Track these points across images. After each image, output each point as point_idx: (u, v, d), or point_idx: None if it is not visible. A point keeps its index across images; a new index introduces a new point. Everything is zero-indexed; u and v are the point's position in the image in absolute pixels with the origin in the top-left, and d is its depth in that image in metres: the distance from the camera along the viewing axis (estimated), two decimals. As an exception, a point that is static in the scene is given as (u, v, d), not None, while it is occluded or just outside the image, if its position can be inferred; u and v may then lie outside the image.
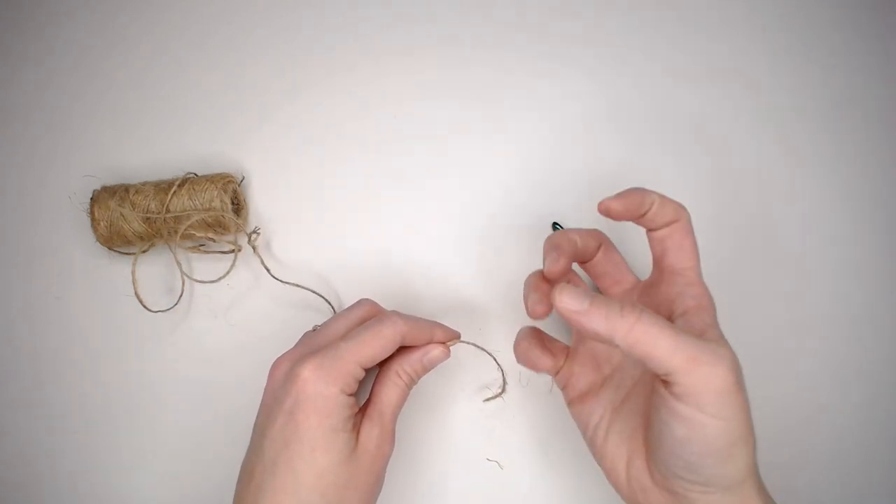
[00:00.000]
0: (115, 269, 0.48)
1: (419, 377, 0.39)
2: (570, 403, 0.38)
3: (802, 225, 0.47)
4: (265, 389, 0.38)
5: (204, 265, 0.48)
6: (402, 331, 0.37)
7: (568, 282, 0.33)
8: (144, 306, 0.46)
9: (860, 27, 0.50)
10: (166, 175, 0.47)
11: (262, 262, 0.45)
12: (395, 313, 0.38)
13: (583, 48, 0.50)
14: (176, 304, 0.47)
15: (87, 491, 0.46)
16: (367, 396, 0.40)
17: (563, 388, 0.39)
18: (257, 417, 0.37)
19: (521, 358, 0.38)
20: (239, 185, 0.47)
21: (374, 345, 0.36)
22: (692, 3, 0.50)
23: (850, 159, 0.48)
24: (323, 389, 0.34)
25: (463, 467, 0.45)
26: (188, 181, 0.45)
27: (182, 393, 0.46)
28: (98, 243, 0.46)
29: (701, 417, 0.28)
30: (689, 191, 0.48)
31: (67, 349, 0.47)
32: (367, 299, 0.42)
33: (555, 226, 0.47)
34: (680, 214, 0.35)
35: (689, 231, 0.36)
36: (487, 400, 0.44)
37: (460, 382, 0.45)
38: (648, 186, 0.48)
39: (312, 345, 0.38)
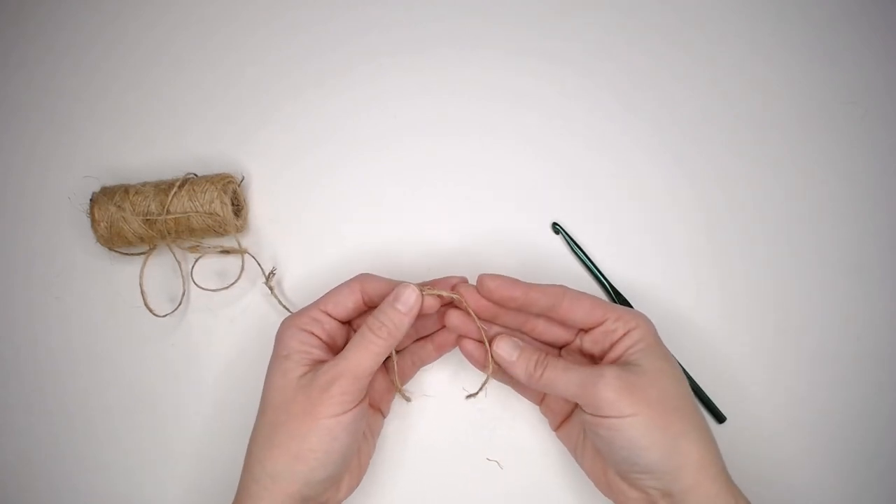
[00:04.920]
0: (116, 270, 0.48)
1: (397, 327, 0.38)
2: (556, 430, 0.43)
3: (802, 224, 0.47)
4: None
5: (202, 263, 0.48)
6: (360, 278, 0.40)
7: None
8: (153, 313, 0.46)
9: (860, 27, 0.50)
10: (166, 175, 0.47)
11: (280, 302, 0.46)
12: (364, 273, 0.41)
13: (583, 48, 0.50)
14: (178, 306, 0.47)
15: (87, 491, 0.46)
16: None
17: (546, 416, 0.43)
18: None
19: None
20: (239, 186, 0.47)
21: (334, 293, 0.40)
22: (692, 4, 0.50)
23: (850, 159, 0.48)
24: (282, 327, 0.39)
25: (463, 467, 0.45)
26: (188, 182, 0.45)
27: (181, 392, 0.46)
28: (98, 244, 0.46)
29: (609, 420, 0.36)
30: (689, 190, 0.48)
31: (67, 349, 0.47)
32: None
33: (554, 226, 0.47)
34: (561, 289, 0.39)
35: (578, 295, 0.39)
36: (469, 396, 0.42)
37: (461, 382, 0.45)
38: (648, 187, 0.48)
39: None
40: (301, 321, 0.39)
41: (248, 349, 0.47)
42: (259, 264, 0.47)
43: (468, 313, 0.40)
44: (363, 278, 0.40)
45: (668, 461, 0.35)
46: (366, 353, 0.37)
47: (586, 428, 0.38)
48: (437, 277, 0.42)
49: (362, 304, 0.40)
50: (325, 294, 0.40)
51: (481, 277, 0.39)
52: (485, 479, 0.44)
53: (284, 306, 0.45)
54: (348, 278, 0.40)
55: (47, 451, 0.46)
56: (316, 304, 0.39)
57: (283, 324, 0.39)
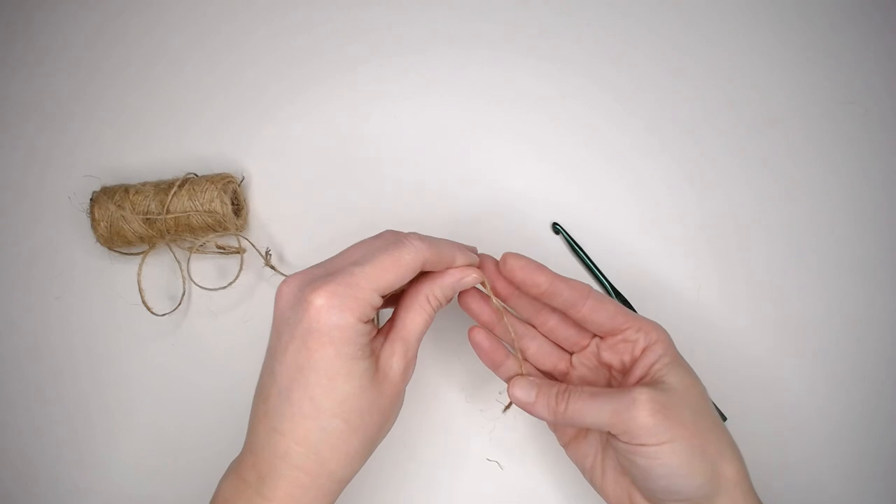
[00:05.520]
0: (116, 270, 0.48)
1: (448, 301, 0.37)
2: (565, 447, 0.40)
3: (802, 225, 0.47)
4: (274, 311, 0.35)
5: (203, 264, 0.48)
6: (423, 257, 0.34)
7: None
8: (151, 312, 0.46)
9: (860, 27, 0.50)
10: (166, 175, 0.47)
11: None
12: (416, 236, 0.35)
13: (583, 48, 0.50)
14: (178, 306, 0.47)
15: (87, 490, 0.46)
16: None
17: (555, 433, 0.41)
18: (269, 341, 0.35)
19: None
20: (239, 186, 0.47)
21: (392, 271, 0.34)
22: (692, 3, 0.50)
23: (850, 159, 0.48)
24: (338, 320, 0.32)
25: (463, 467, 0.45)
26: (188, 181, 0.45)
27: (182, 393, 0.46)
28: (98, 244, 0.46)
29: (648, 448, 0.33)
30: (689, 191, 0.48)
31: (67, 349, 0.47)
32: (390, 230, 0.37)
33: (555, 226, 0.47)
34: (588, 287, 0.37)
35: (603, 298, 0.37)
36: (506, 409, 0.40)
37: (461, 382, 0.45)
38: (648, 187, 0.48)
39: (327, 267, 0.35)
40: (361, 311, 0.33)
41: (247, 349, 0.47)
42: (260, 252, 0.46)
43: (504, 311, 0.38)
44: (422, 254, 0.35)
45: (709, 485, 0.33)
46: (426, 324, 0.36)
47: (620, 456, 0.35)
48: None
49: None
50: (379, 267, 0.34)
51: (505, 255, 0.37)
52: (485, 479, 0.44)
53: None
54: (399, 247, 0.34)
55: (47, 451, 0.46)
56: (371, 283, 0.33)
57: (331, 306, 0.32)
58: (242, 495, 0.33)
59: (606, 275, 0.46)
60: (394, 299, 0.38)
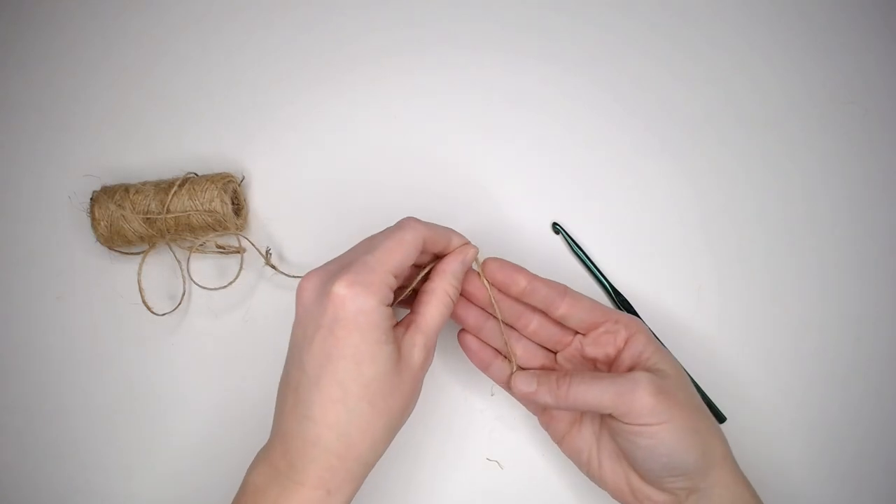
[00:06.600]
0: (116, 269, 0.48)
1: (461, 285, 0.39)
2: (560, 443, 0.41)
3: (802, 225, 0.47)
4: (297, 306, 0.37)
5: (203, 264, 0.48)
6: (422, 235, 0.37)
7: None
8: (151, 311, 0.46)
9: (860, 27, 0.50)
10: (167, 175, 0.47)
11: (289, 276, 0.46)
12: (412, 218, 0.38)
13: (583, 48, 0.50)
14: (178, 305, 0.47)
15: (87, 491, 0.46)
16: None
17: (547, 429, 0.42)
18: (293, 335, 0.37)
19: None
20: (239, 185, 0.47)
21: (400, 251, 0.36)
22: (692, 3, 0.50)
23: (850, 159, 0.48)
24: (362, 304, 0.34)
25: (463, 467, 0.45)
26: (188, 181, 0.45)
27: (182, 392, 0.46)
28: (98, 243, 0.46)
29: (650, 428, 0.35)
30: (689, 191, 0.48)
31: (67, 349, 0.47)
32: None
33: (555, 226, 0.47)
34: (564, 285, 0.40)
35: (579, 295, 0.40)
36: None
37: (461, 382, 0.45)
38: (648, 187, 0.48)
39: (341, 261, 0.37)
40: (381, 294, 0.35)
41: (249, 348, 0.47)
42: (260, 251, 0.46)
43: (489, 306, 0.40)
44: (421, 233, 0.37)
45: (702, 461, 0.36)
46: (445, 317, 0.38)
47: (621, 439, 0.37)
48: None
49: None
50: (387, 251, 0.36)
51: (486, 260, 0.39)
52: (485, 478, 0.44)
53: (297, 276, 0.45)
54: (399, 230, 0.37)
55: (47, 450, 0.46)
56: (384, 266, 0.35)
57: (354, 293, 0.34)
58: (275, 482, 0.35)
59: (606, 275, 0.46)
60: (408, 302, 0.40)
